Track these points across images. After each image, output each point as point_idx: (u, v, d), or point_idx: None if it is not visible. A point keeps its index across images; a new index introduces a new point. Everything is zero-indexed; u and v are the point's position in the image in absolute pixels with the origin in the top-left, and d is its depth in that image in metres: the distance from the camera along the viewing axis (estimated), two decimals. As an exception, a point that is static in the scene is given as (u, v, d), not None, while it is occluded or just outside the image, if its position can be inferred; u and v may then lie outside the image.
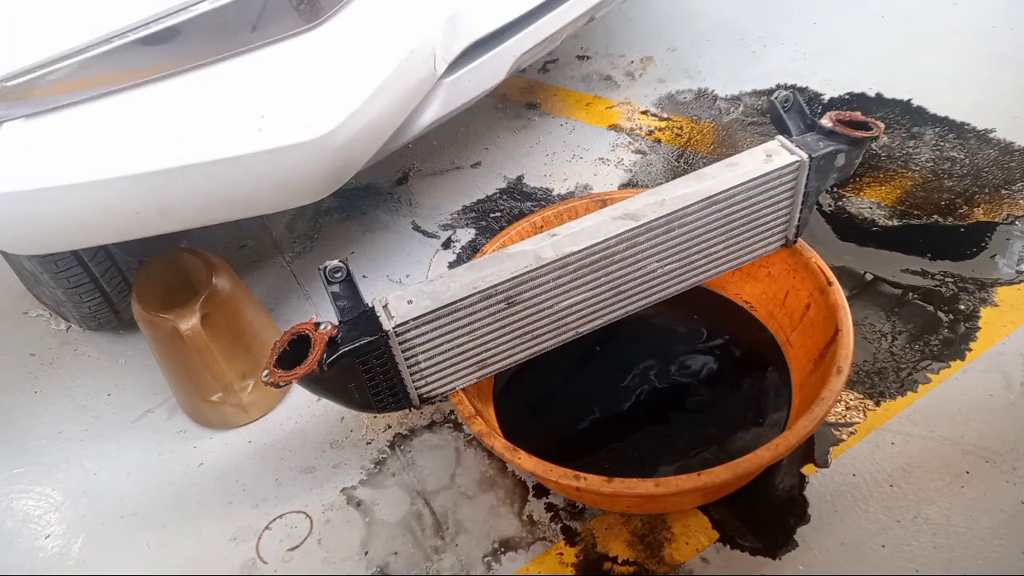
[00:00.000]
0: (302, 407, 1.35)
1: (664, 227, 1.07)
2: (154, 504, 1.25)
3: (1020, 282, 1.33)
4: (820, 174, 1.14)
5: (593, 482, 0.93)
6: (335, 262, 1.01)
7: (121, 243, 1.33)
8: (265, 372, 0.97)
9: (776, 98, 1.19)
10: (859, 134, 1.13)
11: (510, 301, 1.03)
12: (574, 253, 1.03)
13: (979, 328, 1.27)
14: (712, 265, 1.16)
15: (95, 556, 1.20)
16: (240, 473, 1.27)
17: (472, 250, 1.62)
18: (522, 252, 1.04)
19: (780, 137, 1.15)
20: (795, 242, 1.20)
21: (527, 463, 0.97)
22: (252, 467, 1.28)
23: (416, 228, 1.71)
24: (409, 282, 1.57)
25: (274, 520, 1.19)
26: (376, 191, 1.83)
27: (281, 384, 0.96)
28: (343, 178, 1.10)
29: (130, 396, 1.44)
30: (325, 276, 1.02)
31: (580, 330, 1.11)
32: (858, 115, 1.16)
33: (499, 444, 1.00)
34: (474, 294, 1.00)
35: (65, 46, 0.94)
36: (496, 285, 1.00)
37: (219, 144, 0.97)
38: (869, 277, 1.40)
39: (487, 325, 1.04)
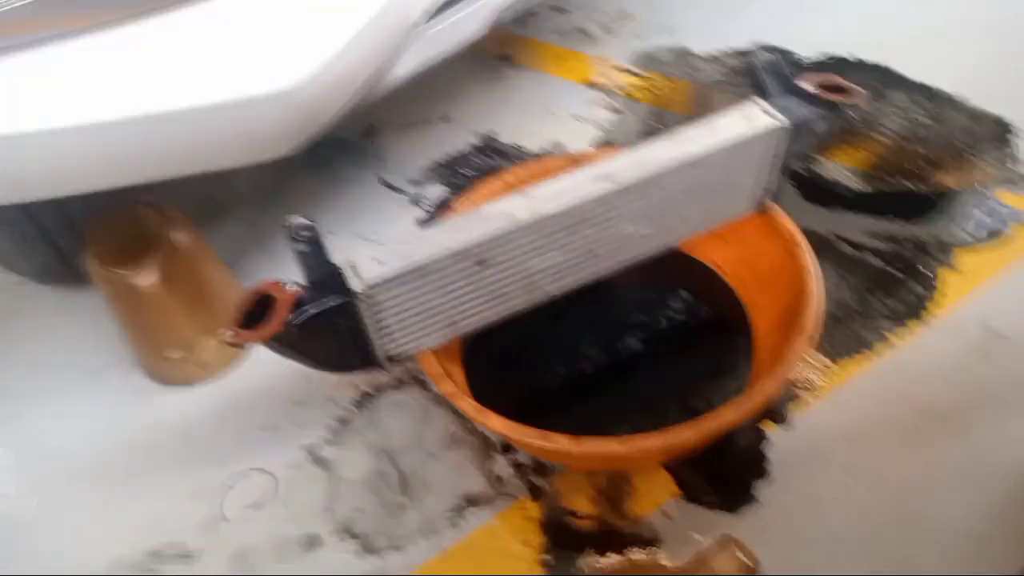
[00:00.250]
0: (264, 364, 1.32)
1: (640, 190, 1.06)
2: (112, 463, 1.23)
3: (981, 248, 1.35)
4: (798, 139, 1.13)
5: (561, 442, 0.93)
6: (301, 219, 0.97)
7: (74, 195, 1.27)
8: (228, 332, 0.95)
9: (756, 59, 1.17)
10: (838, 99, 1.12)
11: (482, 262, 1.01)
12: (550, 215, 1.01)
13: (940, 291, 1.29)
14: (686, 228, 1.16)
15: (50, 516, 1.18)
16: (201, 431, 1.25)
17: (442, 207, 1.59)
18: (496, 213, 1.02)
19: (760, 100, 1.14)
20: (768, 206, 1.20)
21: (495, 424, 0.96)
22: (213, 425, 1.26)
23: (383, 183, 1.67)
24: (376, 238, 1.54)
25: (235, 477, 1.18)
26: (342, 144, 1.78)
27: (244, 344, 0.94)
28: (312, 132, 1.06)
29: (86, 352, 1.40)
30: (290, 233, 0.98)
31: (552, 291, 1.10)
32: (838, 79, 1.15)
33: (467, 405, 0.99)
34: (446, 255, 0.98)
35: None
36: (469, 246, 0.99)
37: (181, 93, 0.93)
38: (833, 239, 1.41)
39: (458, 286, 1.02)
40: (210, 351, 1.29)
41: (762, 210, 1.21)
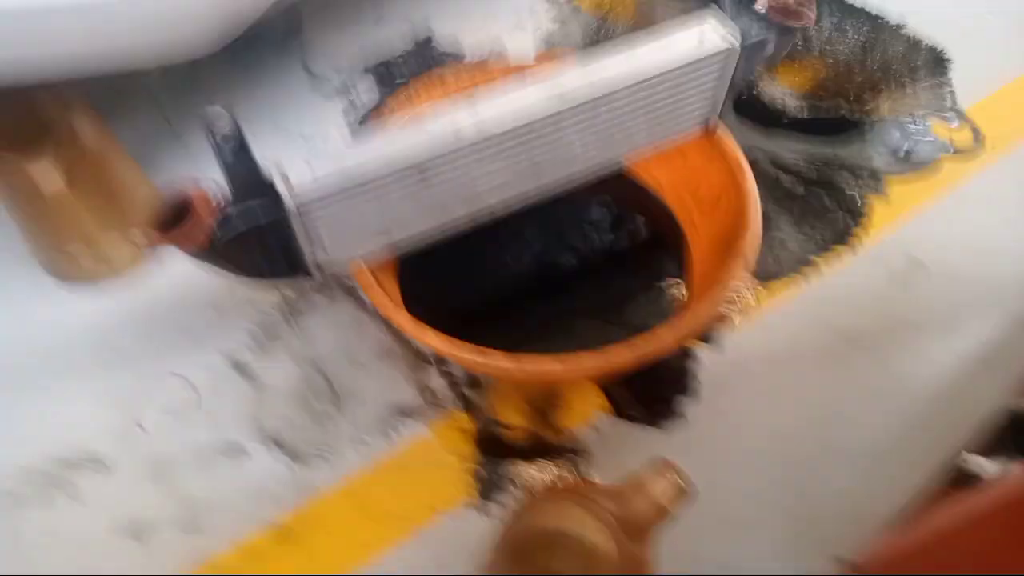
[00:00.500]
0: (178, 264, 1.22)
1: (590, 108, 1.01)
2: (14, 366, 1.14)
3: (910, 177, 1.38)
4: (748, 61, 1.11)
5: (499, 360, 0.92)
6: (222, 112, 0.88)
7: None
8: (142, 235, 0.87)
9: (711, -28, 1.12)
10: (791, 22, 1.09)
11: (425, 177, 0.96)
12: (497, 132, 0.96)
13: (869, 219, 1.32)
14: (632, 147, 1.13)
15: (-52, 420, 1.10)
16: (109, 333, 1.17)
17: (373, 107, 1.50)
18: (441, 126, 0.96)
19: (713, 18, 1.09)
20: (715, 128, 1.18)
21: (432, 340, 0.94)
22: (122, 327, 1.18)
23: (310, 75, 1.55)
24: (303, 136, 1.45)
25: (150, 384, 1.12)
26: (266, 35, 1.63)
27: (161, 252, 0.87)
28: (239, 28, 0.95)
29: (-23, 245, 1.28)
30: (210, 128, 0.89)
31: (495, 208, 1.06)
32: (790, 1, 1.11)
33: (402, 319, 0.96)
34: (387, 168, 0.92)
35: None
36: (411, 161, 0.93)
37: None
38: (767, 163, 1.41)
39: (397, 200, 0.97)
40: (116, 247, 1.19)
41: (708, 131, 1.19)
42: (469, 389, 1.11)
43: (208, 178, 0.88)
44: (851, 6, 1.69)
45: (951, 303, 1.20)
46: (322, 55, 1.58)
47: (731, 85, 1.12)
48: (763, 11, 1.10)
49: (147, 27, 0.88)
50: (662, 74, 1.03)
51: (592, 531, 0.75)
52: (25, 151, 1.06)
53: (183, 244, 0.85)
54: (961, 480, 0.91)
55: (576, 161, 1.08)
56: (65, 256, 1.18)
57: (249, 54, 1.58)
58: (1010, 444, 0.81)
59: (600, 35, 1.64)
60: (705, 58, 1.05)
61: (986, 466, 0.86)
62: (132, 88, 1.51)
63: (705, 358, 1.15)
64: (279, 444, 1.06)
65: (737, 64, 1.09)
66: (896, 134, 1.45)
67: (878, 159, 1.41)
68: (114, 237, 1.19)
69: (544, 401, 1.11)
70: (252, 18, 0.97)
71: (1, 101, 1.12)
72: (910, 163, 1.40)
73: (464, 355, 0.93)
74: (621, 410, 1.10)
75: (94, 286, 1.22)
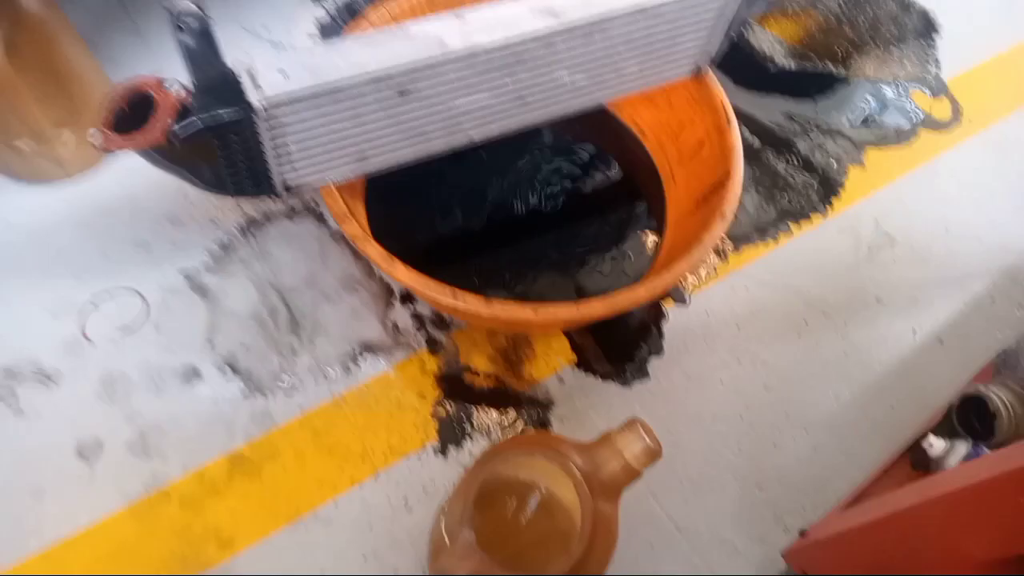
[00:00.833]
0: (133, 170, 1.15)
1: (584, 32, 0.96)
2: (-52, 264, 1.06)
3: (887, 147, 1.38)
4: (747, 3, 1.06)
5: (471, 302, 0.89)
6: (188, 3, 0.80)
7: None
8: (94, 132, 0.80)
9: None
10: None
11: (404, 92, 0.90)
12: (485, 48, 0.90)
13: (843, 186, 1.32)
14: (622, 83, 1.08)
15: None
16: (57, 238, 1.10)
17: (348, 10, 1.40)
18: (425, 35, 0.89)
19: (720, -49, 1.04)
20: (706, 72, 1.14)
21: (403, 275, 0.90)
22: (72, 233, 1.10)
23: (283, -28, 1.43)
24: (272, 42, 1.35)
25: (100, 295, 1.06)
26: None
27: (114, 151, 0.80)
28: None
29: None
30: (173, 20, 0.81)
31: (474, 136, 1.01)
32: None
33: (374, 251, 0.91)
34: (364, 78, 0.85)
35: None
36: (392, 71, 0.86)
37: None
38: (748, 116, 1.38)
39: (374, 116, 0.91)
40: (67, 146, 1.11)
41: (699, 76, 1.15)
42: (436, 329, 1.08)
43: (171, 77, 0.81)
44: (848, -40, 1.65)
45: (915, 280, 1.21)
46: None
47: (728, 27, 1.08)
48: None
49: None
50: (662, 4, 0.98)
51: (561, 486, 0.75)
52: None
53: (140, 147, 0.78)
54: (916, 459, 0.94)
55: (563, 93, 1.03)
56: (13, 152, 1.08)
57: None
58: (962, 427, 0.83)
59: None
60: (707, -5, 1.01)
61: (939, 447, 0.89)
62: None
63: (673, 316, 1.14)
64: (235, 370, 1.01)
65: (736, 5, 1.05)
66: (876, 99, 1.44)
67: (856, 123, 1.40)
68: (65, 134, 1.10)
69: (512, 348, 1.09)
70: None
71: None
72: (885, 131, 1.40)
73: (435, 295, 0.89)
74: (587, 363, 1.09)
75: (44, 186, 1.14)
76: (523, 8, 0.94)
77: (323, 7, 1.40)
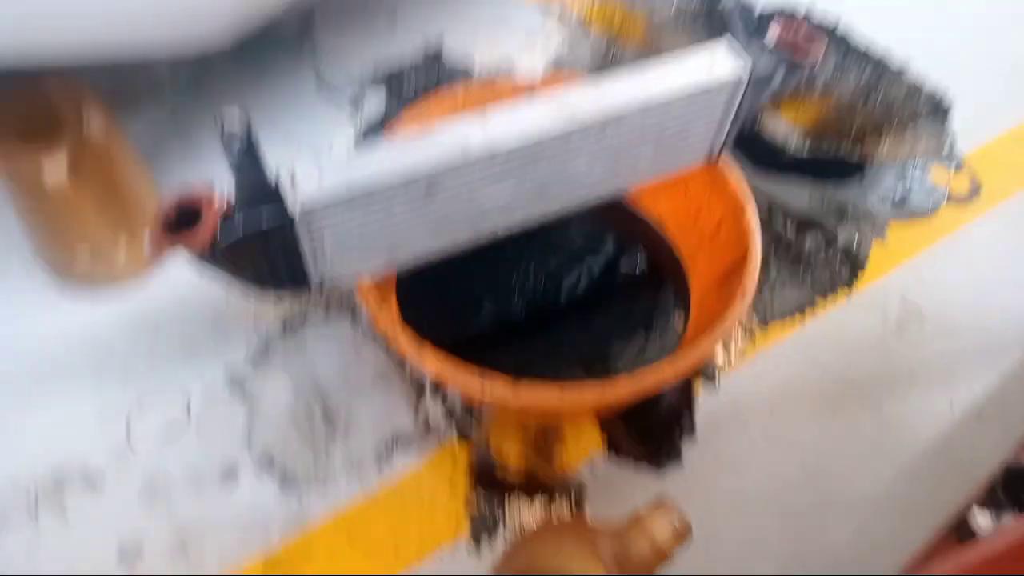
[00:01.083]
0: (181, 276, 1.21)
1: (598, 129, 1.02)
2: (6, 370, 1.12)
3: (909, 222, 1.39)
4: (755, 92, 1.11)
5: (497, 387, 0.91)
6: (235, 113, 0.87)
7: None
8: (146, 240, 0.86)
9: (724, 6, 1.13)
10: (799, 58, 1.10)
11: (432, 191, 0.95)
12: (506, 147, 0.96)
13: (867, 262, 1.33)
14: (637, 174, 1.13)
15: (-65, 424, 1.07)
16: (108, 342, 1.15)
17: (383, 118, 1.49)
18: (449, 139, 0.96)
19: (724, 47, 1.10)
20: (718, 159, 1.19)
21: (431, 361, 0.93)
22: (121, 338, 1.16)
23: (321, 85, 1.55)
24: (310, 144, 1.44)
25: (146, 398, 1.10)
26: (276, 38, 1.63)
27: (163, 254, 0.86)
28: (254, 21, 0.95)
29: (-22, 245, 1.25)
30: (222, 130, 0.88)
31: (499, 228, 1.06)
32: (800, 34, 1.12)
33: (403, 341, 0.95)
34: (395, 180, 0.91)
35: None
36: (419, 172, 0.92)
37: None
38: (768, 198, 1.42)
39: (403, 213, 0.96)
40: (122, 255, 1.18)
41: (713, 163, 1.19)
42: (466, 419, 1.10)
43: (218, 184, 0.87)
44: (855, 48, 1.71)
45: (947, 352, 1.20)
46: (335, 62, 1.58)
47: (737, 115, 1.13)
48: (772, 45, 1.11)
49: (162, 14, 0.87)
50: (671, 100, 1.03)
51: (591, 570, 0.75)
52: (33, 143, 1.05)
53: (187, 247, 0.84)
54: (959, 533, 0.91)
55: (582, 185, 1.09)
56: (69, 258, 1.16)
57: (261, 56, 1.58)
58: (1006, 498, 0.81)
59: (609, 58, 1.65)
60: (714, 87, 1.06)
61: (982, 520, 0.86)
62: (143, 89, 1.50)
63: (702, 397, 1.14)
64: (271, 467, 1.04)
65: (744, 95, 1.10)
66: (897, 178, 1.47)
67: (876, 203, 1.43)
68: (119, 241, 1.17)
69: (542, 436, 1.10)
70: (267, 15, 0.96)
71: (13, 92, 1.11)
72: (907, 209, 1.42)
73: (461, 378, 0.92)
74: (618, 448, 1.09)
75: (96, 291, 1.21)
76: (541, 109, 1.00)
77: (360, 115, 1.50)
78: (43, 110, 1.14)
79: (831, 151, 1.51)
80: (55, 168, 1.05)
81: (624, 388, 0.93)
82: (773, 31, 1.12)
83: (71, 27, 0.88)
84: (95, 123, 1.10)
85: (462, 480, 1.04)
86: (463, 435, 1.08)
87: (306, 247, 0.94)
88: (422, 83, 1.58)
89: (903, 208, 1.42)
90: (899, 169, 1.49)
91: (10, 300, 1.20)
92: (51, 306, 1.19)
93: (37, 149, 1.05)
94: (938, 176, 1.48)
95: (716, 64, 1.09)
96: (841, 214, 1.40)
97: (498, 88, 1.27)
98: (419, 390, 1.13)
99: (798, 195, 1.43)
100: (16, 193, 1.12)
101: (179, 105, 1.48)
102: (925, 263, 1.33)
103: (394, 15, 1.68)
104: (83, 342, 1.16)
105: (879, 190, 1.45)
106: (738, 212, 1.15)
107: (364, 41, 1.63)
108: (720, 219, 1.20)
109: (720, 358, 1.19)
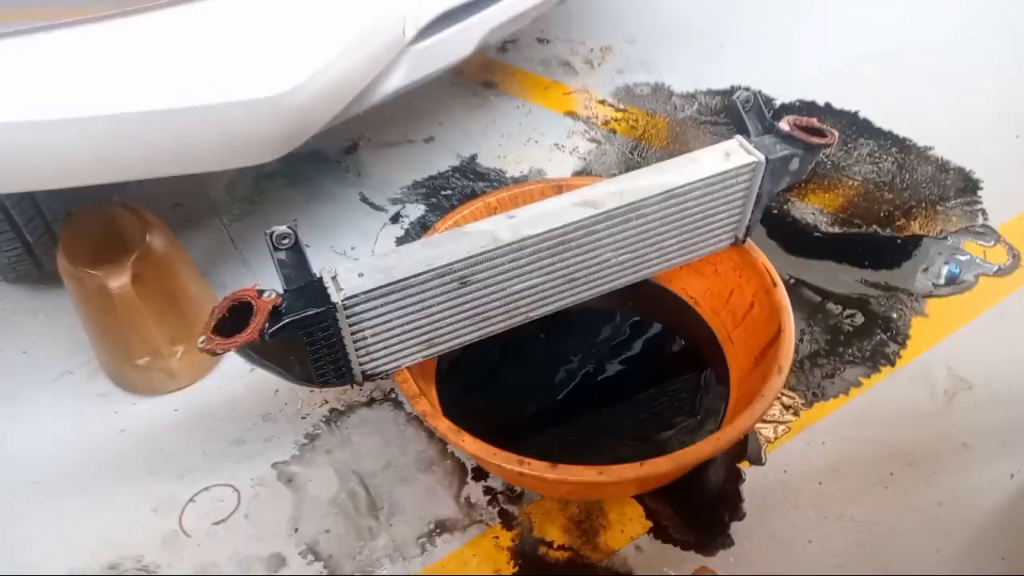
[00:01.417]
0: (233, 376, 1.30)
1: (622, 217, 1.07)
2: (70, 470, 1.18)
3: (948, 295, 1.39)
4: (774, 176, 1.16)
5: (537, 468, 0.93)
6: (283, 227, 0.96)
7: (49, 191, 1.24)
8: (202, 338, 0.92)
9: (738, 98, 1.20)
10: (815, 140, 1.15)
11: (463, 281, 1.01)
12: (532, 236, 1.01)
13: (909, 337, 1.32)
14: (664, 258, 1.17)
15: (6, 525, 1.13)
16: (165, 442, 1.21)
17: (421, 227, 1.58)
18: (479, 231, 1.02)
19: (739, 136, 1.16)
20: (744, 241, 1.22)
21: (471, 446, 0.95)
22: (178, 436, 1.22)
23: (363, 200, 1.66)
24: (354, 254, 1.53)
25: (199, 492, 1.14)
26: (323, 158, 1.77)
27: (218, 352, 0.92)
28: (298, 140, 1.05)
29: (48, 355, 1.35)
30: (272, 241, 0.97)
31: (531, 315, 1.10)
32: (814, 121, 1.18)
33: (443, 425, 0.98)
34: (427, 271, 0.97)
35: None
36: (451, 264, 0.98)
37: (170, 92, 0.91)
38: (805, 281, 1.43)
39: (438, 304, 1.02)
40: (179, 360, 1.26)
41: (739, 246, 1.23)
42: (510, 504, 1.10)
43: (269, 289, 0.94)
44: (878, 129, 1.76)
45: (1001, 421, 1.17)
46: (377, 181, 1.70)
47: (758, 200, 1.17)
48: (787, 130, 1.16)
49: (214, 134, 0.97)
50: (689, 184, 1.08)
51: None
52: (102, 265, 1.15)
53: (239, 346, 0.90)
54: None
55: (610, 271, 1.13)
56: (133, 368, 1.25)
57: (309, 176, 1.71)
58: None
59: (635, 157, 1.73)
60: (731, 171, 1.11)
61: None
62: (200, 206, 1.64)
63: (750, 477, 1.12)
64: (318, 556, 1.05)
65: (763, 179, 1.15)
66: (931, 255, 1.47)
67: (914, 277, 1.43)
68: (179, 350, 1.25)
69: (587, 518, 1.09)
70: (313, 130, 1.06)
71: (84, 219, 1.23)
72: (946, 283, 1.42)
73: (502, 462, 0.93)
74: (665, 530, 1.07)
75: (153, 394, 1.28)
76: (565, 202, 1.07)
77: (400, 227, 1.59)
78: (112, 231, 1.26)
79: (862, 231, 1.53)
80: (119, 282, 1.15)
81: (663, 467, 0.93)
82: (786, 121, 1.18)
83: (140, 156, 0.99)
84: (157, 241, 1.20)
85: (505, 563, 1.03)
86: (506, 516, 1.08)
87: (348, 339, 0.99)
88: (458, 192, 1.68)
89: (942, 283, 1.42)
90: (934, 245, 1.49)
91: (73, 402, 1.28)
92: (110, 407, 1.27)
93: (105, 265, 1.15)
94: (973, 248, 1.48)
95: (731, 152, 1.15)
96: (879, 291, 1.40)
97: (530, 190, 1.34)
98: (461, 474, 1.14)
99: (834, 274, 1.44)
100: (83, 303, 1.22)
101: (234, 222, 1.61)
102: (970, 334, 1.31)
103: (432, 137, 1.81)
104: (141, 442, 1.22)
105: (915, 266, 1.45)
106: (769, 291, 1.17)
107: (404, 160, 1.75)
108: (752, 298, 1.22)
109: (766, 435, 1.18)
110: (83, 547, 1.09)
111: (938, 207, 1.57)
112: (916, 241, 1.50)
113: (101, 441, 1.22)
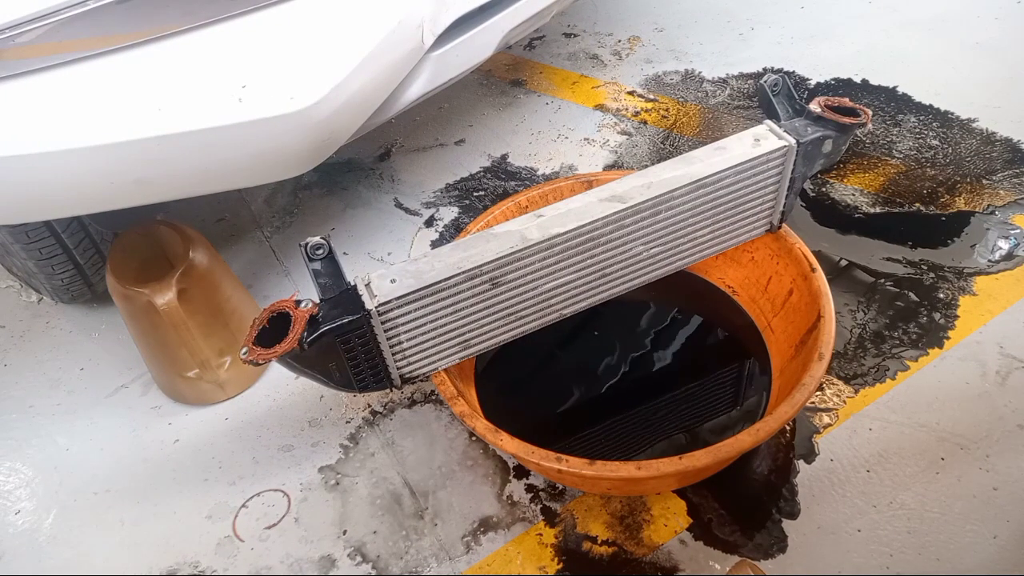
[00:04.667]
0: (280, 385, 1.33)
1: (651, 210, 1.06)
2: (128, 480, 1.23)
3: (998, 271, 1.34)
4: (807, 160, 1.14)
5: (575, 464, 0.93)
6: (317, 238, 1.00)
7: (95, 214, 1.29)
8: (244, 349, 0.95)
9: (765, 81, 1.18)
10: (847, 120, 1.12)
11: (495, 282, 1.02)
12: (560, 234, 1.02)
13: (957, 316, 1.28)
14: (697, 249, 1.16)
15: (67, 533, 1.18)
16: (216, 450, 1.25)
17: (455, 229, 1.60)
18: (508, 232, 1.03)
19: (768, 121, 1.15)
20: (780, 227, 1.20)
21: (509, 445, 0.96)
22: (228, 444, 1.26)
23: (398, 205, 1.68)
24: (391, 260, 1.55)
25: (251, 498, 1.18)
26: (357, 167, 1.80)
27: (260, 362, 0.94)
28: (326, 152, 1.08)
29: (103, 370, 1.41)
30: (306, 252, 1.00)
31: (564, 312, 1.11)
32: (846, 101, 1.15)
33: (481, 425, 0.99)
34: (459, 274, 0.99)
35: (37, 6, 0.90)
36: (481, 265, 0.99)
37: (199, 114, 0.94)
38: (847, 263, 1.40)
39: (471, 306, 1.03)
40: (227, 371, 1.30)
41: (775, 232, 1.21)
42: (552, 501, 1.11)
43: (306, 299, 0.97)
44: (918, 103, 1.71)
45: (1058, 399, 1.12)
46: (410, 186, 1.72)
47: (792, 184, 1.15)
48: (819, 111, 1.14)
49: (246, 151, 1.01)
50: (718, 173, 1.07)
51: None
52: (148, 283, 1.19)
53: (279, 356, 0.92)
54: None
55: (642, 265, 1.12)
56: (182, 380, 1.29)
57: (343, 187, 1.74)
58: None
59: (667, 147, 1.72)
60: (762, 156, 1.09)
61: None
62: (241, 221, 1.68)
63: (798, 466, 1.11)
64: (367, 558, 1.08)
65: (796, 163, 1.12)
66: (979, 230, 1.42)
67: (961, 255, 1.38)
68: (226, 362, 1.29)
69: (628, 513, 1.09)
70: (341, 141, 1.08)
71: (130, 239, 1.28)
72: (995, 258, 1.37)
73: (540, 460, 0.94)
74: (707, 521, 1.06)
75: (203, 405, 1.32)
76: (592, 198, 1.06)
77: (435, 230, 1.61)
78: (157, 249, 1.31)
79: (907, 209, 1.49)
80: (166, 298, 1.19)
81: (702, 460, 0.92)
82: (817, 102, 1.15)
83: (175, 176, 1.03)
84: (199, 257, 1.24)
85: (550, 559, 1.04)
86: (548, 513, 1.09)
87: (384, 344, 1.01)
88: (490, 193, 1.69)
89: (989, 259, 1.37)
90: (980, 220, 1.44)
91: (129, 415, 1.33)
92: (163, 419, 1.32)
93: (151, 283, 1.19)
94: (1022, 222, 1.42)
95: (762, 138, 1.13)
96: (925, 270, 1.36)
97: (560, 187, 1.35)
98: (503, 472, 1.15)
99: (880, 254, 1.41)
100: (132, 320, 1.27)
101: (274, 234, 1.65)
102: (1021, 312, 1.26)
103: (463, 139, 1.83)
104: (194, 451, 1.26)
105: (965, 243, 1.41)
106: (807, 277, 1.15)
107: (436, 164, 1.77)
108: (790, 285, 1.20)
109: (812, 423, 1.16)
110: (142, 554, 1.13)
111: (984, 181, 1.52)
112: (962, 217, 1.45)
113: (156, 451, 1.27)
